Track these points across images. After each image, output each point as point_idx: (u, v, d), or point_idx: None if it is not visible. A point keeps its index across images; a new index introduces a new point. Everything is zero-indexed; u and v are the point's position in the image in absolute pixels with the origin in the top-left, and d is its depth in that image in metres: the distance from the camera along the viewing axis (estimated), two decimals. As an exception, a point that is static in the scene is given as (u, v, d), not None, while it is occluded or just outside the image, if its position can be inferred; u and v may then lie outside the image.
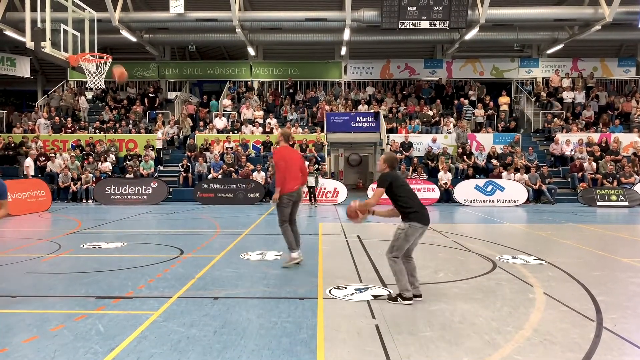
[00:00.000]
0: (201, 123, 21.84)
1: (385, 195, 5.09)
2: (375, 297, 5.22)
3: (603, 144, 19.50)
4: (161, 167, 19.74)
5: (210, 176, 17.97)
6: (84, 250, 8.04)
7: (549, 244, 9.04)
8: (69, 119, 21.72)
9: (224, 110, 22.93)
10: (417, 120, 21.40)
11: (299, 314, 4.67)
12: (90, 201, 17.39)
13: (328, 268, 6.68)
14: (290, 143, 6.20)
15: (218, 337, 4.07)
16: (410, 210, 5.04)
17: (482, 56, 25.15)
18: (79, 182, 17.66)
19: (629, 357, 3.73)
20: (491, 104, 22.58)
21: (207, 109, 23.39)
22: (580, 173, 18.04)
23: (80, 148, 19.76)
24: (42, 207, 14.70)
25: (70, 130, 20.97)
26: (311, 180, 16.75)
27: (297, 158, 6.85)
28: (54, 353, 3.73)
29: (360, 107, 22.52)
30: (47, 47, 11.52)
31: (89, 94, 24.65)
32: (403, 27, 19.64)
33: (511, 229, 11.40)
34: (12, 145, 19.58)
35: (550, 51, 23.97)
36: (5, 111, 23.63)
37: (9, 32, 19.93)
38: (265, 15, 21.21)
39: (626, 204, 16.65)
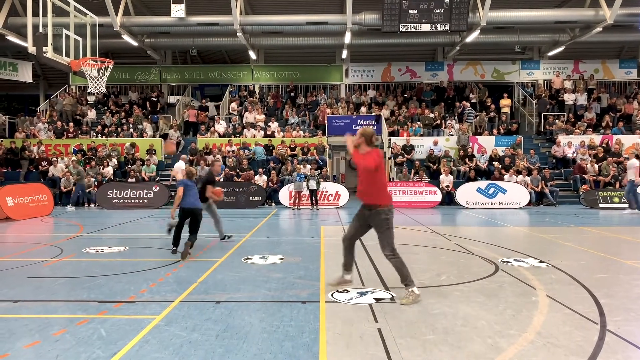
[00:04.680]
0: (202, 127, 21.88)
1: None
2: (377, 300, 5.20)
3: (605, 146, 19.47)
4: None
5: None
6: (85, 255, 8.04)
7: (552, 246, 9.01)
8: (71, 124, 21.79)
9: (230, 113, 22.99)
10: (418, 123, 21.40)
11: (302, 317, 4.66)
12: (92, 205, 17.42)
13: (330, 271, 6.66)
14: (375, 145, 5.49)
15: (220, 341, 4.06)
16: None
17: (483, 59, 25.17)
18: (81, 187, 17.68)
19: (633, 360, 3.71)
20: (492, 106, 22.59)
21: (206, 113, 23.44)
22: (582, 175, 18.01)
23: (82, 152, 19.82)
24: (44, 212, 14.72)
25: (72, 135, 21.04)
26: (312, 184, 16.76)
27: None
28: (56, 358, 3.72)
29: (362, 109, 22.55)
30: (49, 52, 11.56)
31: (91, 99, 24.73)
32: (404, 30, 19.66)
33: (513, 231, 11.37)
34: (14, 149, 19.64)
35: (551, 53, 23.97)
36: (6, 116, 23.71)
37: (11, 37, 20.02)
38: (266, 19, 21.25)
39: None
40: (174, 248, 7.89)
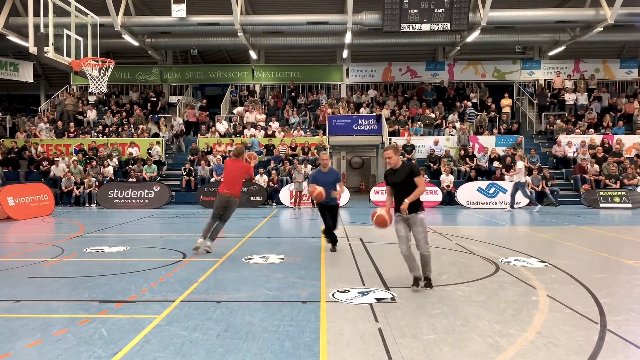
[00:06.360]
0: (203, 127, 21.89)
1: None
2: (378, 300, 5.21)
3: (605, 146, 19.46)
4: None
5: (212, 180, 18.00)
6: (87, 255, 8.06)
7: (552, 246, 9.01)
8: (72, 124, 21.80)
9: (231, 113, 22.99)
10: (419, 122, 21.40)
11: (302, 317, 4.67)
12: (93, 205, 17.43)
13: (331, 271, 6.68)
14: (249, 161, 8.75)
15: (221, 340, 4.07)
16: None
17: (483, 58, 25.15)
18: (82, 186, 17.71)
19: (633, 360, 3.71)
20: (493, 106, 22.58)
21: (206, 113, 23.47)
22: (583, 175, 18.01)
23: (83, 152, 19.83)
24: (45, 212, 14.74)
25: (73, 135, 21.05)
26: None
27: (236, 170, 8.51)
28: (57, 357, 3.73)
29: (363, 109, 22.54)
30: (50, 52, 11.57)
31: (92, 99, 24.75)
32: (404, 29, 19.65)
33: (514, 231, 11.38)
34: (16, 150, 19.66)
35: (552, 53, 23.95)
36: (8, 116, 23.74)
37: (12, 37, 20.03)
38: (266, 19, 21.25)
39: (629, 205, 16.61)
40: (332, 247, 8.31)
